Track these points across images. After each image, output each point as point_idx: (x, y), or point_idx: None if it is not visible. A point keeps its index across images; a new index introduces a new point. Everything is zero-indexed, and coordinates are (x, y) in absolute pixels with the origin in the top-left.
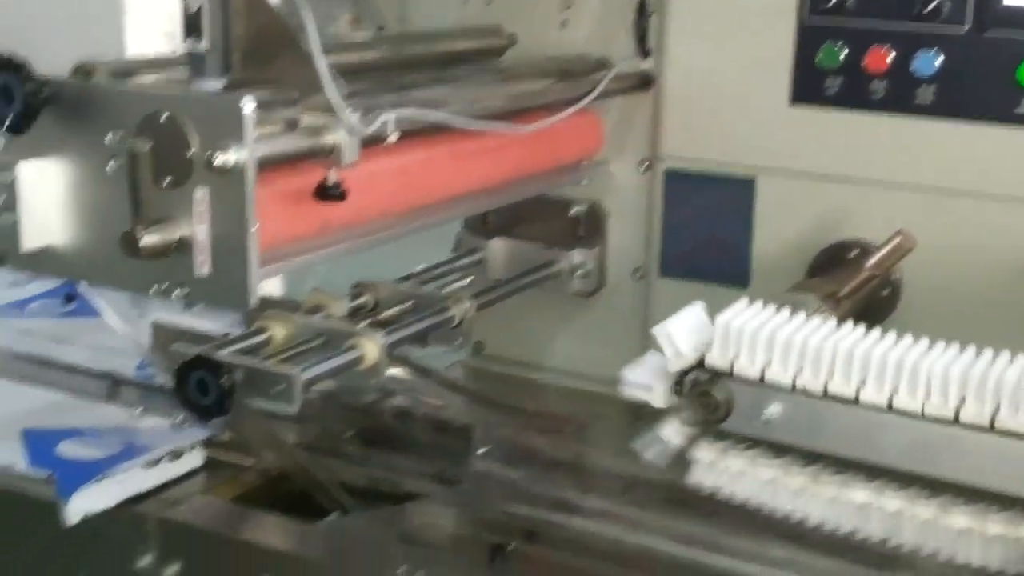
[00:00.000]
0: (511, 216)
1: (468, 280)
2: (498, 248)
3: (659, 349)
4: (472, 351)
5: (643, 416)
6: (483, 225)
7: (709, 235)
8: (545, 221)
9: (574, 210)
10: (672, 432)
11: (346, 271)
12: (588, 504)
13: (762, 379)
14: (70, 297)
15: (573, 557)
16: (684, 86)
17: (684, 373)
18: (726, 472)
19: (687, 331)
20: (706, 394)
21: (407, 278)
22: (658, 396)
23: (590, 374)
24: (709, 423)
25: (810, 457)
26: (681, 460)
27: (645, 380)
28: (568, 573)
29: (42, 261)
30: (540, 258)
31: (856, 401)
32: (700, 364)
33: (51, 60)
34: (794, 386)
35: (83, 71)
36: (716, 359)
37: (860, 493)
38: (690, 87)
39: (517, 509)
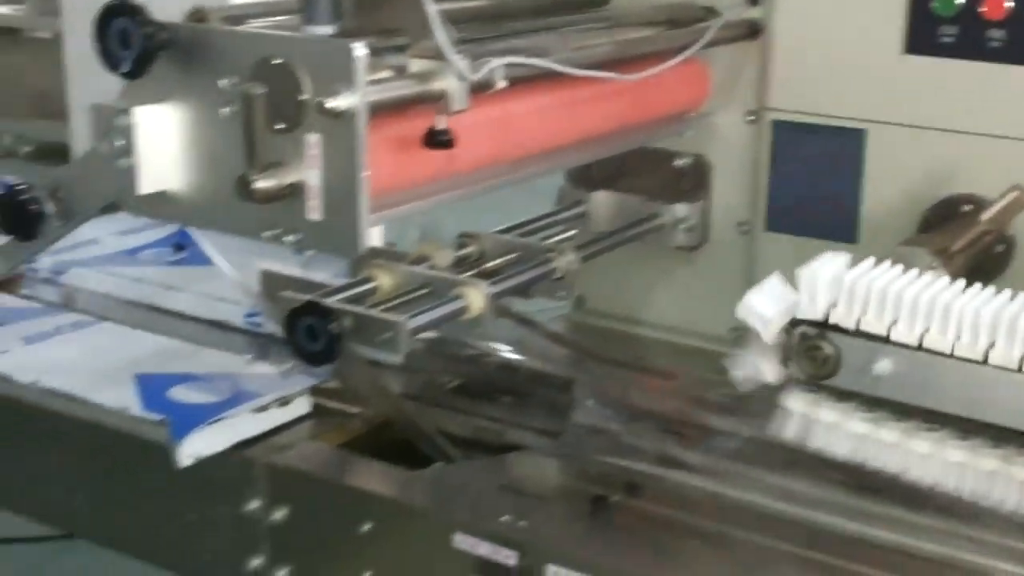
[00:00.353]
0: (614, 168)
1: (571, 233)
2: (601, 201)
3: (795, 286)
4: (573, 305)
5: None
6: (586, 177)
7: (817, 188)
8: (648, 174)
9: (678, 162)
10: (768, 368)
11: (446, 222)
12: (690, 459)
13: (876, 335)
14: (180, 246)
15: (675, 511)
16: (793, 35)
17: (795, 323)
18: (824, 427)
19: (826, 282)
20: (815, 348)
21: (510, 229)
22: (771, 331)
23: (692, 329)
24: (817, 377)
25: (904, 412)
26: (780, 414)
27: (766, 311)
28: (670, 526)
29: (158, 206)
30: (643, 211)
31: (985, 361)
32: (816, 321)
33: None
34: (920, 344)
35: (196, 16)
36: (837, 315)
37: (956, 451)
38: (799, 36)
39: (619, 462)
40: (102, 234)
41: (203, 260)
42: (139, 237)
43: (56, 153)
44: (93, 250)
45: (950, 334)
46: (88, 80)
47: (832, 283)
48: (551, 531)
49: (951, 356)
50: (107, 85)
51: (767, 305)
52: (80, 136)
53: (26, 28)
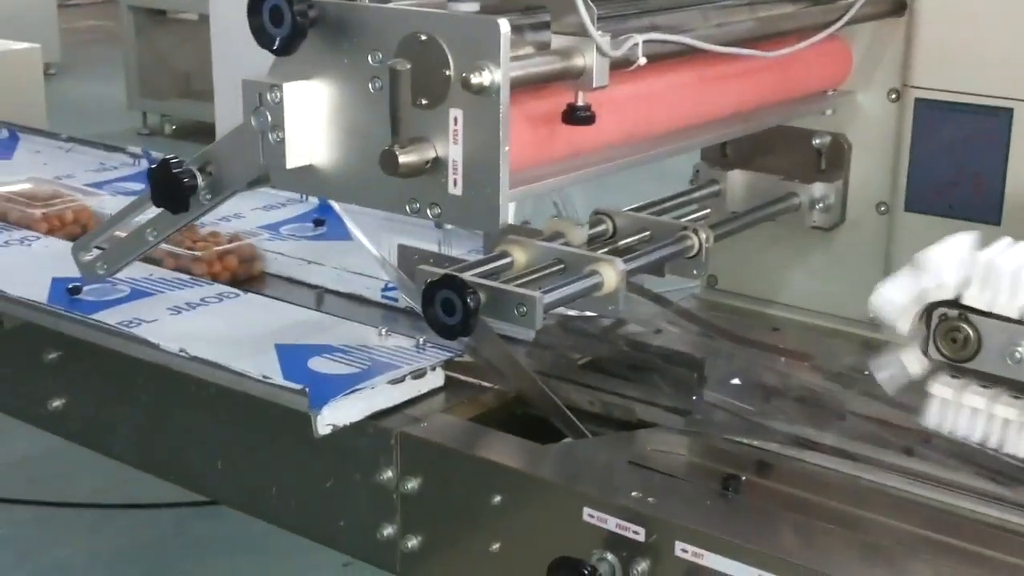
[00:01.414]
0: (750, 147)
1: (705, 212)
2: (736, 180)
3: (921, 274)
4: (705, 284)
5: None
6: (721, 156)
7: (959, 168)
8: (785, 153)
9: (817, 141)
10: (911, 360)
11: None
12: (822, 440)
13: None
14: (319, 221)
15: (805, 491)
16: (940, 11)
17: (934, 306)
18: (964, 410)
19: (954, 262)
20: (955, 329)
21: (643, 208)
22: (904, 321)
23: (827, 311)
24: (956, 360)
25: None
26: (919, 396)
27: (898, 301)
28: (802, 507)
29: (304, 180)
30: (779, 191)
31: None
32: (952, 300)
33: None
34: None
35: None
36: (970, 296)
37: None
38: (946, 12)
39: (750, 441)
40: (245, 208)
41: (341, 235)
42: (280, 212)
43: (199, 132)
44: (237, 224)
45: None
46: (233, 61)
47: (961, 264)
48: (680, 508)
49: None
50: (251, 66)
51: (896, 299)
52: (224, 115)
53: (171, 10)
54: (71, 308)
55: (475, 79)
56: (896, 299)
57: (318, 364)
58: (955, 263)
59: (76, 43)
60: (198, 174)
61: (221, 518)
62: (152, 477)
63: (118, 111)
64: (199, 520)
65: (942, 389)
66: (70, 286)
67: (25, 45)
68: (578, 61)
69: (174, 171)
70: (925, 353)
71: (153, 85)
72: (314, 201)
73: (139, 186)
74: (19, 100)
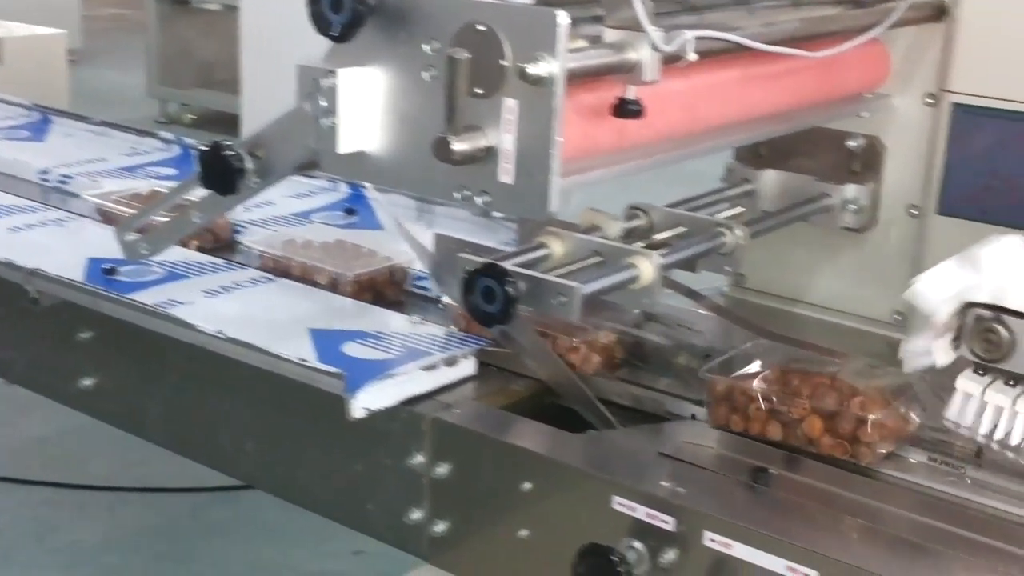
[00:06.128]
0: (784, 147)
1: (738, 210)
2: (769, 179)
3: (970, 268)
4: (733, 282)
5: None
6: (755, 156)
7: (995, 173)
8: (819, 154)
9: (851, 143)
10: (940, 349)
11: (607, 195)
12: None
13: None
14: (350, 210)
15: (832, 485)
16: (981, 17)
17: (971, 305)
18: (988, 407)
19: (999, 263)
20: (990, 331)
21: (677, 204)
22: (942, 315)
23: (855, 312)
24: (987, 360)
25: None
26: (944, 394)
27: (938, 294)
28: (827, 500)
29: (354, 166)
30: (811, 191)
31: None
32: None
33: None
34: None
35: None
36: (1012, 299)
37: None
38: (986, 19)
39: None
40: (276, 196)
41: (372, 224)
42: (312, 200)
43: (218, 121)
44: (268, 211)
45: None
46: (261, 51)
47: (1010, 265)
48: (709, 499)
49: None
50: (280, 57)
51: (937, 290)
52: (251, 103)
53: (194, 0)
54: (108, 288)
55: (532, 70)
56: (937, 291)
57: (352, 349)
58: (1000, 264)
59: (98, 30)
60: (247, 157)
61: (237, 504)
62: (164, 461)
63: (138, 99)
64: (215, 506)
65: (967, 384)
66: (106, 266)
67: (50, 30)
68: (631, 55)
69: (224, 154)
70: (955, 347)
71: (174, 74)
72: (345, 189)
73: (171, 171)
74: (43, 84)
